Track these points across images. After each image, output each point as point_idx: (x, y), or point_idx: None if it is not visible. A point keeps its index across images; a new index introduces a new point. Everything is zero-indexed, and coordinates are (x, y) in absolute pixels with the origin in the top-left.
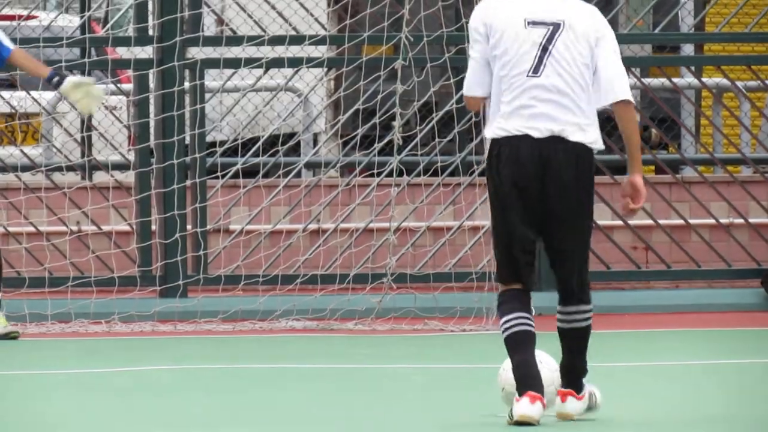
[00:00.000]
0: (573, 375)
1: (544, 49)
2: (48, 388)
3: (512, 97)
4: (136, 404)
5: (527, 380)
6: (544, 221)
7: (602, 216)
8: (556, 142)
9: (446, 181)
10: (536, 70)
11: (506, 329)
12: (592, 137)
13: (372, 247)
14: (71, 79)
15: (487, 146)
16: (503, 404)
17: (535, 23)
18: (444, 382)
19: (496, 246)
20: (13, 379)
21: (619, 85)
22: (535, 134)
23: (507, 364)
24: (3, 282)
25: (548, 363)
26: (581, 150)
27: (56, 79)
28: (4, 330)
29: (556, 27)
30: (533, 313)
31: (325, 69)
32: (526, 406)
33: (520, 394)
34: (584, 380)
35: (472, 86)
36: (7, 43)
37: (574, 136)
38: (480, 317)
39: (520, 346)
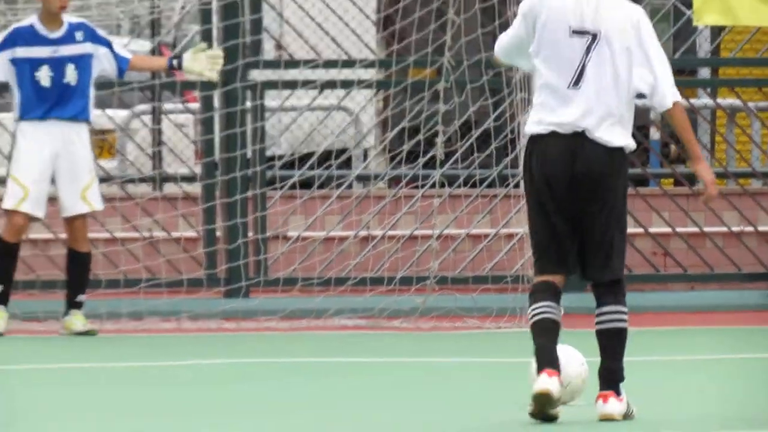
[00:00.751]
0: (611, 377)
1: (583, 63)
2: (123, 380)
3: (550, 101)
4: (200, 395)
5: (546, 359)
6: (579, 210)
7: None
8: (586, 140)
9: (484, 193)
10: (577, 81)
11: (533, 316)
12: (616, 141)
13: (416, 252)
14: (187, 57)
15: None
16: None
17: (577, 32)
18: (481, 374)
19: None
20: (92, 371)
21: (667, 91)
22: (566, 131)
23: (568, 366)
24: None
25: (575, 356)
26: (613, 151)
27: (175, 61)
28: (83, 327)
29: (593, 38)
30: (561, 309)
31: (374, 90)
32: (544, 380)
33: (539, 371)
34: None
35: (500, 50)
36: (125, 53)
37: (601, 137)
38: (514, 316)
39: (543, 332)
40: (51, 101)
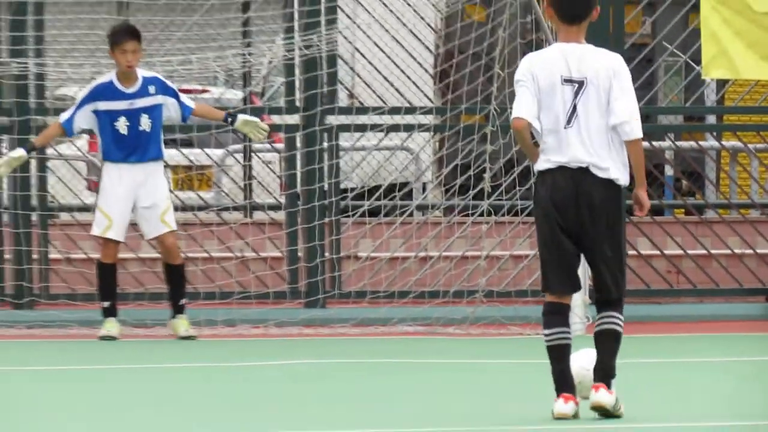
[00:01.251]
0: (605, 372)
1: (574, 106)
2: (220, 377)
3: (552, 141)
4: (285, 390)
5: (563, 384)
6: (582, 235)
7: (643, 247)
8: (588, 174)
9: (525, 220)
10: (570, 122)
11: (549, 340)
12: (614, 173)
13: (467, 270)
14: (241, 117)
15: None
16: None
17: (568, 81)
18: (521, 374)
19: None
20: (192, 371)
21: (634, 125)
22: (571, 166)
23: (582, 361)
24: (186, 295)
25: (593, 356)
26: (611, 183)
27: (230, 119)
28: (186, 333)
29: (580, 85)
30: (570, 327)
31: (432, 133)
32: (561, 406)
33: (558, 395)
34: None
35: (523, 107)
36: (189, 103)
37: (601, 171)
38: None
39: (559, 357)
40: (129, 147)
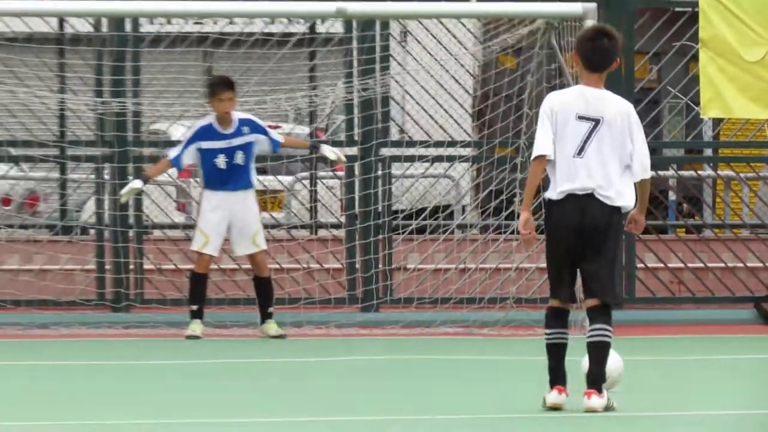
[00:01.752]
0: (594, 379)
1: (586, 139)
2: (292, 371)
3: (563, 169)
4: (345, 382)
5: (556, 378)
6: (582, 252)
7: (650, 260)
8: (593, 199)
9: None
10: (579, 152)
11: (548, 338)
12: (616, 200)
13: (500, 280)
14: (324, 147)
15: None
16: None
17: (582, 117)
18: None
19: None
20: (267, 365)
21: (646, 166)
22: (578, 192)
23: (612, 363)
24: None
25: (615, 356)
26: (612, 208)
27: (314, 148)
28: (276, 333)
29: (597, 122)
30: (568, 328)
31: (470, 163)
32: (554, 396)
33: (551, 387)
34: (604, 386)
35: (544, 145)
36: (278, 137)
37: (604, 197)
38: (571, 327)
39: (556, 354)
40: (226, 178)
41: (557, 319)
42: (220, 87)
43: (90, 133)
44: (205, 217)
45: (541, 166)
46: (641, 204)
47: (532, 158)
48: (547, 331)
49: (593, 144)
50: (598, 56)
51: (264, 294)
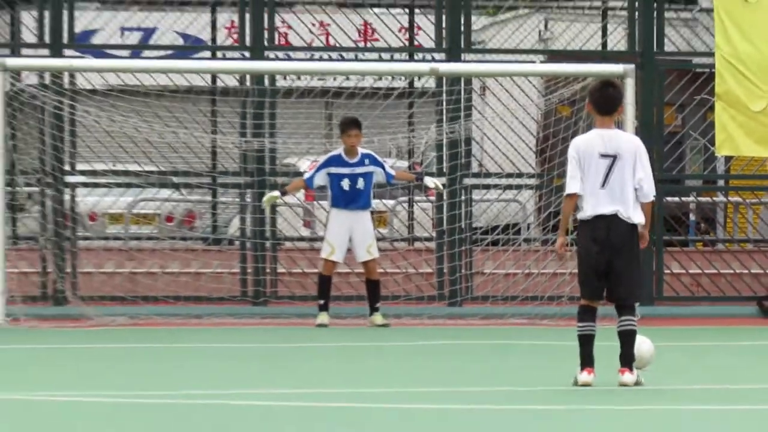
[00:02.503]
0: (626, 359)
1: (608, 173)
2: (398, 353)
3: (592, 198)
4: (434, 361)
5: (587, 361)
6: (610, 262)
7: (675, 267)
8: (616, 218)
9: None
10: (603, 184)
11: (580, 330)
12: (635, 219)
13: (556, 282)
14: (427, 178)
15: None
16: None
17: (603, 155)
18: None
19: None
20: (380, 348)
21: (650, 190)
22: (605, 213)
23: (644, 346)
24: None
25: (646, 341)
26: (631, 225)
27: (419, 180)
28: (382, 322)
29: (615, 158)
30: (596, 322)
31: (534, 190)
32: (585, 376)
33: (582, 369)
34: (636, 365)
35: (575, 185)
36: (391, 171)
37: (626, 217)
38: (614, 319)
39: (586, 343)
40: (349, 199)
41: (587, 314)
42: (350, 125)
43: (235, 165)
44: (331, 231)
45: (572, 201)
46: (646, 222)
47: (564, 195)
48: (579, 324)
49: (614, 175)
50: (607, 103)
51: (373, 292)
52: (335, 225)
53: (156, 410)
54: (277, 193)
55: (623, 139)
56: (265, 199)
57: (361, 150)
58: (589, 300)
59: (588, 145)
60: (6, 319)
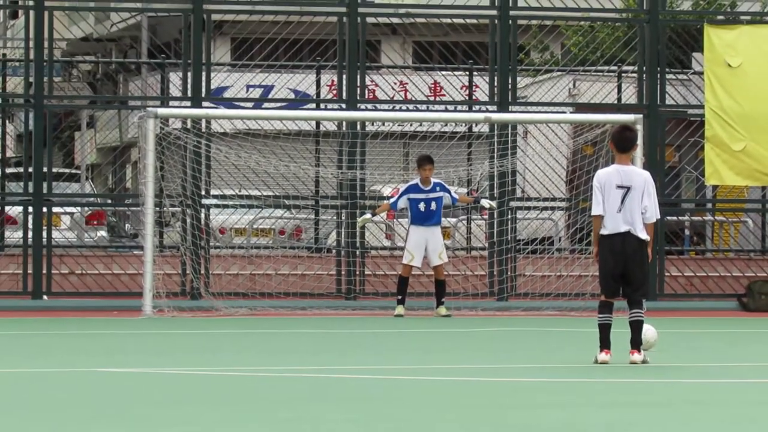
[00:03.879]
0: (635, 342)
1: (623, 200)
2: (458, 338)
3: (610, 219)
4: (488, 344)
5: (603, 344)
6: (624, 267)
7: (673, 271)
8: (629, 234)
9: None
10: (619, 210)
11: (600, 320)
12: (642, 235)
13: (581, 283)
14: (483, 200)
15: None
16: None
17: (619, 186)
18: (615, 337)
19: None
20: (446, 333)
21: (653, 214)
22: (621, 230)
23: (649, 332)
24: (445, 295)
25: (651, 328)
26: (641, 240)
27: (476, 202)
28: (446, 313)
29: (628, 189)
30: (612, 313)
31: (564, 211)
32: (603, 356)
33: (600, 350)
34: (643, 348)
35: (598, 209)
36: (455, 195)
37: (636, 234)
38: (627, 311)
39: (604, 331)
40: (425, 217)
41: (605, 308)
42: (425, 161)
43: (333, 191)
44: (411, 242)
45: (598, 220)
46: (651, 240)
47: (590, 215)
48: (599, 315)
49: (627, 202)
50: (624, 142)
51: (440, 290)
52: (414, 238)
53: (271, 382)
54: (369, 215)
55: (636, 174)
56: (360, 219)
57: (433, 179)
58: (607, 297)
59: (607, 177)
60: (153, 311)
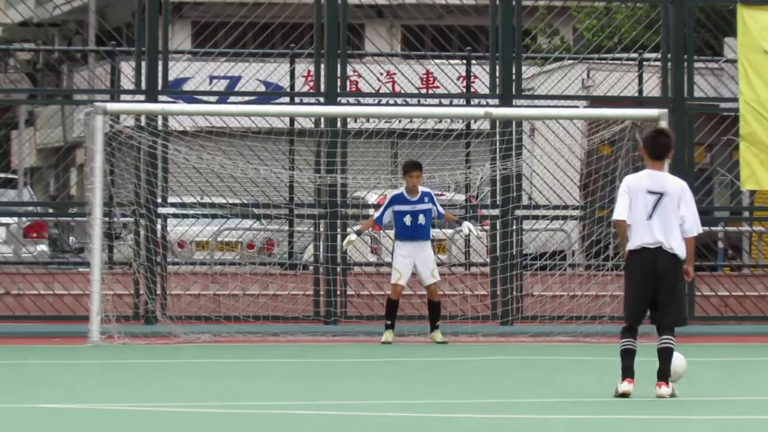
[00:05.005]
0: (663, 374)
1: (654, 207)
2: (455, 367)
3: (637, 230)
4: (487, 371)
5: (626, 372)
6: (656, 289)
7: (705, 290)
8: (661, 250)
9: None
10: (650, 216)
11: (622, 345)
12: (677, 250)
13: (598, 304)
14: (465, 223)
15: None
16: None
17: (650, 192)
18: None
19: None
20: (441, 362)
21: (692, 226)
22: (650, 246)
23: (678, 361)
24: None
25: (680, 356)
26: (675, 256)
27: (459, 224)
28: (441, 339)
29: (661, 195)
30: (637, 339)
31: (578, 221)
32: (625, 385)
33: (622, 380)
34: (671, 380)
35: (621, 212)
36: (442, 210)
37: (670, 249)
38: (650, 336)
39: (626, 356)
40: (411, 232)
41: (629, 332)
42: (412, 167)
43: (310, 198)
44: (398, 260)
45: (621, 225)
46: (689, 257)
47: (613, 219)
48: (622, 340)
49: (660, 210)
50: (659, 149)
51: (434, 312)
52: (401, 254)
53: (237, 420)
54: (354, 236)
55: (670, 180)
56: (344, 242)
57: (421, 188)
58: (631, 323)
59: (637, 182)
60: (101, 337)
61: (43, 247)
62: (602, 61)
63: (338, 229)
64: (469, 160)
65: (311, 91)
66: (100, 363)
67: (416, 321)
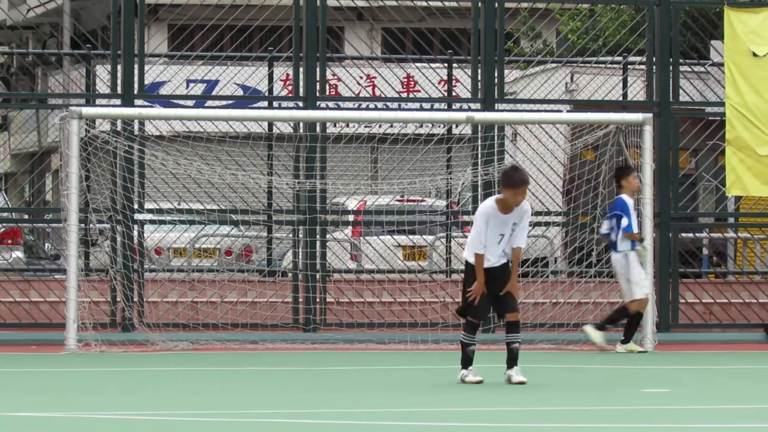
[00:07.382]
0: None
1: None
2: (440, 373)
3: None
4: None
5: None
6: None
7: (689, 297)
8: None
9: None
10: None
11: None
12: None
13: (581, 311)
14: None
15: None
16: None
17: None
18: (632, 361)
19: None
20: (427, 370)
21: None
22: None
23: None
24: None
25: None
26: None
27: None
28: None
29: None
30: None
31: (561, 227)
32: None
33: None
34: None
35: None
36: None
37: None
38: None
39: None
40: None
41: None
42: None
43: (289, 204)
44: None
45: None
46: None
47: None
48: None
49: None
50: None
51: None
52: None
53: (215, 428)
54: (643, 246)
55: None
56: (638, 248)
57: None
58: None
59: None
60: (78, 345)
61: (18, 254)
62: (586, 65)
63: (317, 236)
64: (450, 165)
65: (290, 95)
66: (77, 371)
67: (396, 329)
